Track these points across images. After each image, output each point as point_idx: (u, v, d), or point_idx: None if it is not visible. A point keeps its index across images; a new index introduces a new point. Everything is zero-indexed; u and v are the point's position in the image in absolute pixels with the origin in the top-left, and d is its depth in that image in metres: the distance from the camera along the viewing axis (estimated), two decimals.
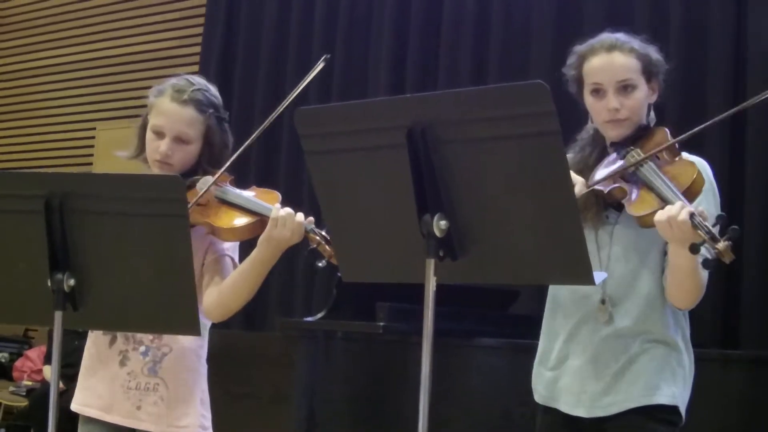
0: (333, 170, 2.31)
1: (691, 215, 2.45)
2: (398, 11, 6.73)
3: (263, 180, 6.75)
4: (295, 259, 6.76)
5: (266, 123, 2.89)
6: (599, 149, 2.89)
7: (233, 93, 7.37)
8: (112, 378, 2.94)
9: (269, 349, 4.65)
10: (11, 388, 8.06)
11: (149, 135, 2.98)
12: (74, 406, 3.00)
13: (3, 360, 8.51)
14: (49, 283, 2.38)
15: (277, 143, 7.02)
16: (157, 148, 2.95)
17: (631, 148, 2.78)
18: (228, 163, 2.91)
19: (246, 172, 6.82)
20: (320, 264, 2.78)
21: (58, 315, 2.39)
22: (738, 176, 5.20)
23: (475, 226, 2.15)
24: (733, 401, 3.70)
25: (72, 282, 2.38)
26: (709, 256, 2.41)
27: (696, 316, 5.09)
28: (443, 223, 2.12)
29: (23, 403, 7.80)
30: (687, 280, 2.67)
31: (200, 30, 8.01)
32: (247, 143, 2.89)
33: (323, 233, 2.74)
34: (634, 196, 2.68)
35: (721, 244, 2.38)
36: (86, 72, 9.00)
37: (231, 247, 2.97)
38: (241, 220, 2.86)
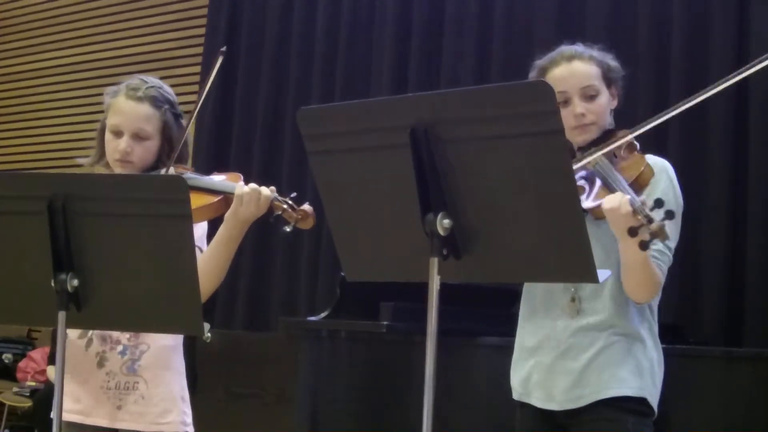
0: (336, 170, 2.31)
1: (632, 201, 2.54)
2: (401, 12, 6.73)
3: (266, 173, 6.76)
4: (299, 258, 6.77)
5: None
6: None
7: (235, 94, 7.38)
8: (90, 381, 2.95)
9: (272, 349, 4.65)
10: (15, 389, 8.06)
11: (108, 136, 3.07)
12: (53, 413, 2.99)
13: (7, 361, 8.51)
14: (53, 284, 2.38)
15: (280, 142, 7.02)
16: (116, 147, 3.01)
17: (593, 149, 2.88)
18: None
19: (249, 170, 6.83)
20: (287, 229, 2.82)
21: (61, 315, 2.39)
22: (741, 172, 5.21)
23: (478, 225, 2.15)
24: (737, 399, 3.70)
25: (75, 282, 2.38)
26: (646, 238, 2.47)
27: (699, 313, 5.15)
28: (447, 222, 2.13)
29: (27, 403, 7.81)
30: (637, 274, 2.74)
31: (202, 31, 8.00)
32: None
33: (287, 200, 2.78)
34: (588, 191, 2.77)
35: (655, 224, 2.46)
36: (88, 73, 8.99)
37: (199, 238, 2.98)
38: (203, 200, 2.89)
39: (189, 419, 3.00)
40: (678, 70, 5.47)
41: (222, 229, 2.87)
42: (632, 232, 2.48)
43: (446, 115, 2.12)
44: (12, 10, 9.73)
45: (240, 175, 2.98)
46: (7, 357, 8.53)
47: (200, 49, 7.96)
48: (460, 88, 2.46)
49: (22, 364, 8.34)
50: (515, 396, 3.04)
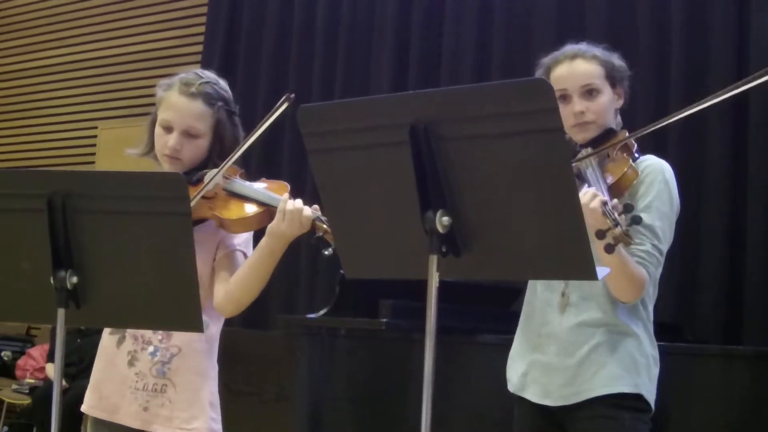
0: (336, 168, 2.31)
1: (604, 204, 2.55)
2: (401, 9, 6.73)
3: (265, 172, 6.75)
4: (298, 256, 6.77)
5: (233, 156, 2.85)
6: (572, 155, 2.96)
7: (235, 92, 7.19)
8: (120, 379, 2.91)
9: (272, 347, 4.65)
10: (14, 387, 8.07)
11: (158, 130, 2.95)
12: (83, 408, 2.98)
13: (6, 358, 8.52)
14: (52, 281, 2.38)
15: (279, 137, 7.02)
16: (165, 143, 2.91)
17: (588, 148, 2.91)
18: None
19: (248, 166, 6.81)
20: (326, 252, 2.75)
21: (60, 312, 2.39)
22: (741, 170, 5.21)
23: (477, 223, 2.15)
24: (736, 397, 3.70)
25: (75, 279, 2.38)
26: (611, 242, 2.49)
27: (698, 312, 5.15)
28: (446, 220, 2.13)
29: (26, 401, 7.82)
30: (616, 274, 2.72)
31: (202, 29, 8.01)
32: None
33: None
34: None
35: (618, 230, 2.48)
36: (88, 71, 9.00)
37: (243, 243, 2.94)
38: (248, 211, 2.84)
39: (217, 425, 2.93)
40: (678, 71, 5.47)
41: (263, 242, 2.80)
42: (599, 234, 2.50)
43: (446, 113, 2.12)
44: (13, 8, 9.74)
45: (287, 185, 2.91)
46: (6, 355, 8.54)
47: (200, 48, 7.98)
48: (460, 85, 2.45)
49: (21, 361, 8.35)
50: (511, 388, 3.07)
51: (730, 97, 2.61)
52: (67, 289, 2.38)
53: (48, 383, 7.51)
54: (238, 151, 2.85)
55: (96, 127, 8.83)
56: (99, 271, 2.41)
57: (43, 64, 9.39)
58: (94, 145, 8.84)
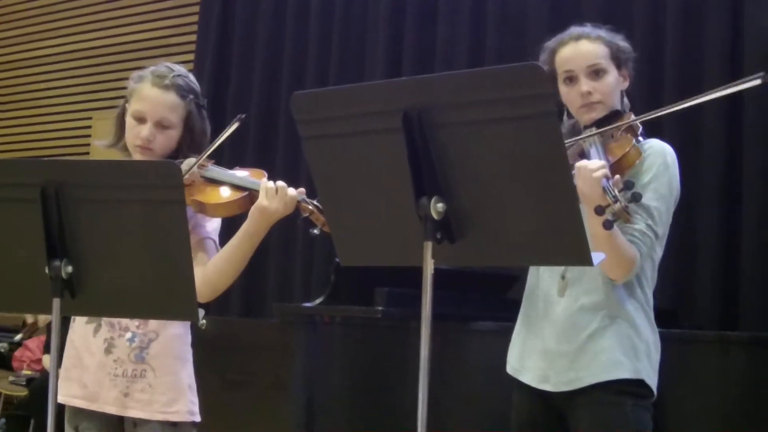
0: (330, 155, 2.30)
1: (606, 178, 2.56)
2: None
3: (260, 159, 6.75)
4: (293, 245, 6.77)
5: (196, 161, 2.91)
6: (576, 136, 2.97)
7: (229, 82, 7.37)
8: (97, 367, 2.94)
9: (267, 336, 4.65)
10: (11, 378, 8.07)
11: (130, 121, 3.00)
12: (60, 398, 2.97)
13: (2, 350, 8.51)
14: (47, 271, 2.37)
15: (274, 129, 7.02)
16: (138, 133, 2.97)
17: (593, 128, 2.91)
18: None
19: (243, 151, 6.82)
20: (314, 231, 2.81)
21: (56, 302, 2.39)
22: (736, 158, 5.21)
23: (472, 209, 2.14)
24: (732, 383, 3.71)
25: (70, 269, 2.38)
26: (610, 218, 2.51)
27: (694, 298, 5.16)
28: (440, 206, 2.12)
29: (23, 392, 7.82)
30: (603, 248, 2.71)
31: (196, 19, 7.99)
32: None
33: (315, 202, 2.77)
34: None
35: (618, 205, 2.50)
36: (82, 62, 8.99)
37: (213, 231, 2.99)
38: (229, 195, 2.89)
39: (196, 408, 2.98)
40: (673, 63, 5.46)
41: (246, 223, 2.85)
42: (598, 210, 2.51)
43: (438, 99, 2.11)
44: None
45: (264, 172, 2.96)
46: (3, 346, 8.53)
47: (194, 37, 7.96)
48: (453, 71, 2.44)
49: (17, 353, 8.34)
50: (509, 370, 3.06)
51: (721, 79, 2.61)
52: (62, 279, 2.38)
53: (45, 375, 7.51)
54: (201, 158, 2.91)
55: (90, 118, 8.82)
56: (94, 260, 2.42)
57: (38, 55, 9.38)
58: (89, 136, 8.83)
